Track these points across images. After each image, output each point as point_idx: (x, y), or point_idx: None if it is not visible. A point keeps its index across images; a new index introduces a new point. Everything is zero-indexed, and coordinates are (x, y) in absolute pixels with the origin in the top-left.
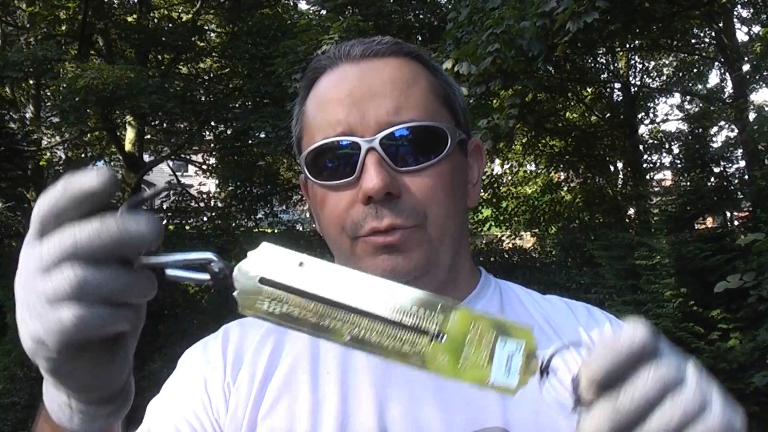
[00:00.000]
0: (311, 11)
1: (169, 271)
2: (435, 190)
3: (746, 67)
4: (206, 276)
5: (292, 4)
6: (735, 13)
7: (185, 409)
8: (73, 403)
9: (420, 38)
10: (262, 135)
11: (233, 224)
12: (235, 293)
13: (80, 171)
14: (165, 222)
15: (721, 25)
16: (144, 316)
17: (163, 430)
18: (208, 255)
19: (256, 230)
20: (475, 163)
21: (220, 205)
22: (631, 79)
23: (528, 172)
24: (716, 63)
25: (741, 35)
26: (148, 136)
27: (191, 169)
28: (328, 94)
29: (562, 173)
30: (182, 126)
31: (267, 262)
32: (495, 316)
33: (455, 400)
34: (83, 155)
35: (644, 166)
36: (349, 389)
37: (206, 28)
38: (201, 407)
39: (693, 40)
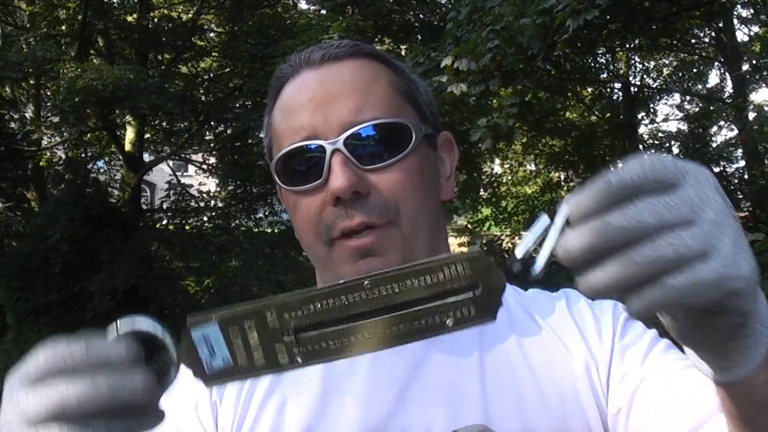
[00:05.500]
0: (311, 11)
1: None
2: (404, 186)
3: (746, 67)
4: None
5: (292, 3)
6: (735, 13)
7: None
8: None
9: (420, 37)
10: (262, 135)
11: (233, 224)
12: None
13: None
14: (165, 222)
15: (721, 24)
16: None
17: None
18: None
19: (256, 230)
20: (446, 157)
21: (220, 205)
22: (631, 79)
23: (528, 171)
24: (716, 63)
25: (741, 35)
26: (148, 136)
27: (191, 168)
28: (291, 101)
29: (561, 173)
30: (182, 126)
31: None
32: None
33: (437, 399)
34: (83, 155)
35: None
36: (333, 395)
37: (206, 27)
38: (190, 428)
39: (693, 40)
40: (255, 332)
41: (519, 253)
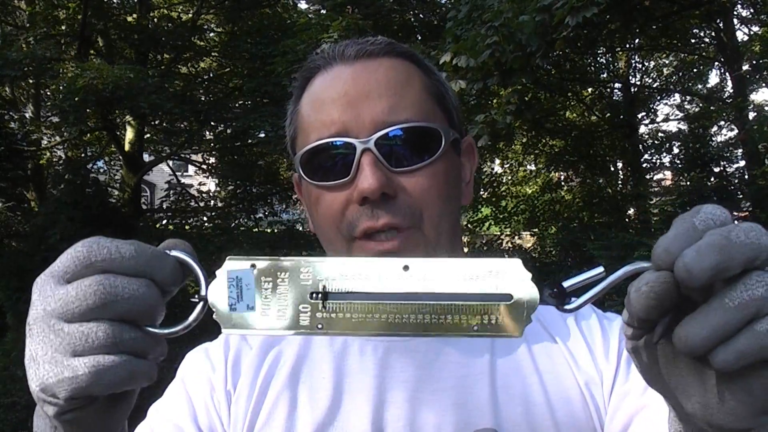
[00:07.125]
0: (311, 10)
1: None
2: (430, 190)
3: (746, 67)
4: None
5: (291, 3)
6: (735, 12)
7: (190, 413)
8: None
9: (420, 37)
10: (262, 134)
11: (233, 224)
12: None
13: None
14: (165, 222)
15: (721, 24)
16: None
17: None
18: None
19: (256, 230)
20: (467, 162)
21: (220, 205)
22: (631, 79)
23: (528, 171)
24: (716, 63)
25: (741, 35)
26: (148, 136)
27: (191, 169)
28: (322, 94)
29: (561, 173)
30: (182, 126)
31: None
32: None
33: (448, 402)
34: (83, 155)
35: (644, 166)
36: (345, 394)
37: (206, 27)
38: (205, 413)
39: (693, 40)
40: (286, 286)
41: (566, 284)
